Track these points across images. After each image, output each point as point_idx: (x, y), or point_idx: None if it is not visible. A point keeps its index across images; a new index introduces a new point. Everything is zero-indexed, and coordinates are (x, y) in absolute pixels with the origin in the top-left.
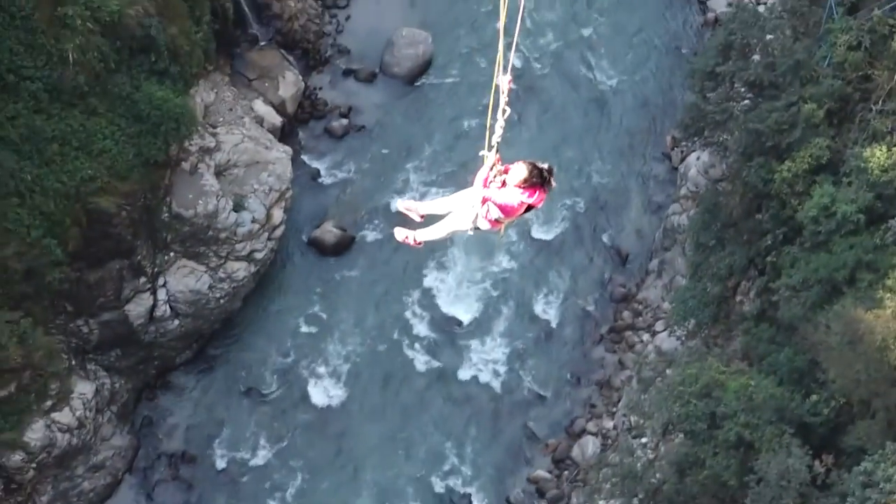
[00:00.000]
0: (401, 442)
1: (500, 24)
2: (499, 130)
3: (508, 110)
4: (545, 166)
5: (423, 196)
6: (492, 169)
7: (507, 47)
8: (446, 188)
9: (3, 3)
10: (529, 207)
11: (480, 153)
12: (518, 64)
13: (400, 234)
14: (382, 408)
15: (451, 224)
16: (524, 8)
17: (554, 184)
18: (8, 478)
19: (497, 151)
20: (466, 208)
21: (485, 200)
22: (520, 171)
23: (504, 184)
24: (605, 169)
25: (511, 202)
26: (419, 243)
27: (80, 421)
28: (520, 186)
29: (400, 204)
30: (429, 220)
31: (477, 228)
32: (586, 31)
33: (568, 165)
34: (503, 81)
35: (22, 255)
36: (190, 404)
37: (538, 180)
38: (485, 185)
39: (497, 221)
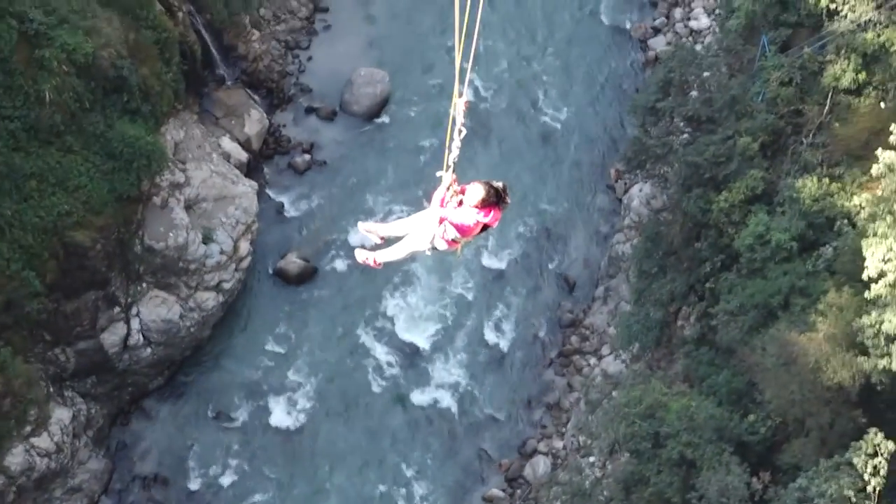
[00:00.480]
0: (362, 462)
1: (458, 49)
2: (455, 151)
3: (464, 131)
4: (500, 185)
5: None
6: (448, 189)
7: (463, 72)
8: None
9: None
10: (485, 227)
11: (437, 174)
12: (471, 99)
13: (361, 255)
14: (345, 430)
15: (409, 244)
16: (478, 35)
17: (509, 201)
18: None
19: (453, 172)
20: (424, 229)
21: (441, 220)
22: (476, 191)
23: (461, 204)
24: (554, 200)
25: (467, 222)
26: (379, 264)
27: (58, 445)
28: (476, 206)
29: (360, 226)
30: (389, 241)
31: (434, 248)
32: (535, 69)
33: (518, 197)
34: (459, 103)
35: (1, 287)
36: (162, 428)
37: (494, 199)
38: (441, 206)
39: (454, 241)
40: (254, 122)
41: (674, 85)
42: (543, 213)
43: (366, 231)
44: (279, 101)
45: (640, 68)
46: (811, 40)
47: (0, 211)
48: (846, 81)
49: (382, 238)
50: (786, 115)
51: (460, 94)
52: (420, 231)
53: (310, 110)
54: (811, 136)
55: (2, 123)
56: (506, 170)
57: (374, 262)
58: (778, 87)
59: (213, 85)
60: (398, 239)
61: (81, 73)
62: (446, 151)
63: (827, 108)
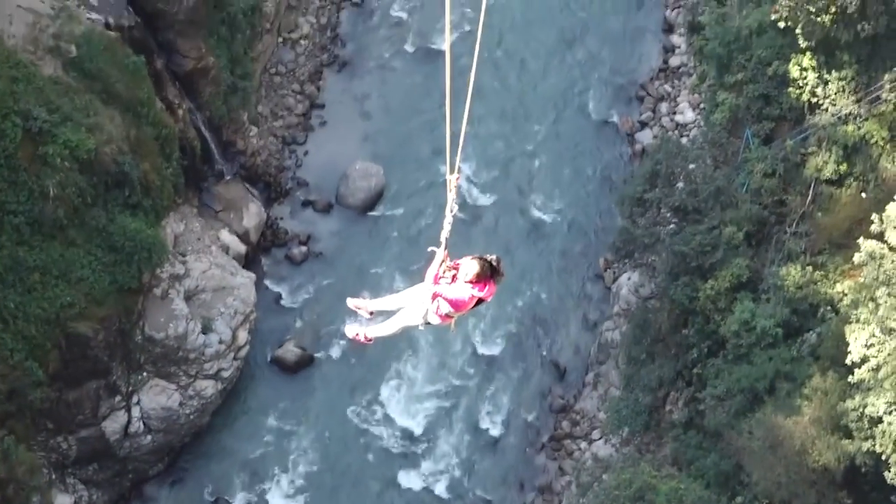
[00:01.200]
0: None
1: (447, 123)
2: (447, 227)
3: (456, 207)
4: (493, 258)
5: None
6: (441, 265)
7: (454, 147)
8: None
9: None
10: (480, 301)
11: (429, 249)
12: (463, 192)
13: (351, 330)
14: None
15: (401, 320)
16: (468, 121)
17: (503, 273)
18: None
19: (446, 248)
20: (417, 304)
21: (435, 296)
22: (470, 267)
23: (454, 279)
24: (544, 288)
25: (462, 297)
26: (370, 340)
27: None
28: (471, 282)
29: (350, 302)
30: (378, 316)
31: (428, 323)
32: (525, 161)
33: (509, 286)
34: (451, 179)
35: (5, 377)
36: None
37: (489, 273)
38: (435, 282)
39: (447, 316)
40: (252, 215)
41: (660, 176)
42: (535, 301)
43: (355, 307)
44: (277, 194)
45: (628, 160)
46: (793, 133)
47: (4, 303)
48: (828, 172)
49: (372, 313)
50: (770, 206)
51: (452, 170)
52: (413, 306)
53: (306, 203)
54: (794, 225)
55: (6, 218)
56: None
57: (365, 337)
58: (762, 178)
59: (213, 179)
60: (389, 314)
61: (84, 169)
62: (443, 226)
63: (809, 198)
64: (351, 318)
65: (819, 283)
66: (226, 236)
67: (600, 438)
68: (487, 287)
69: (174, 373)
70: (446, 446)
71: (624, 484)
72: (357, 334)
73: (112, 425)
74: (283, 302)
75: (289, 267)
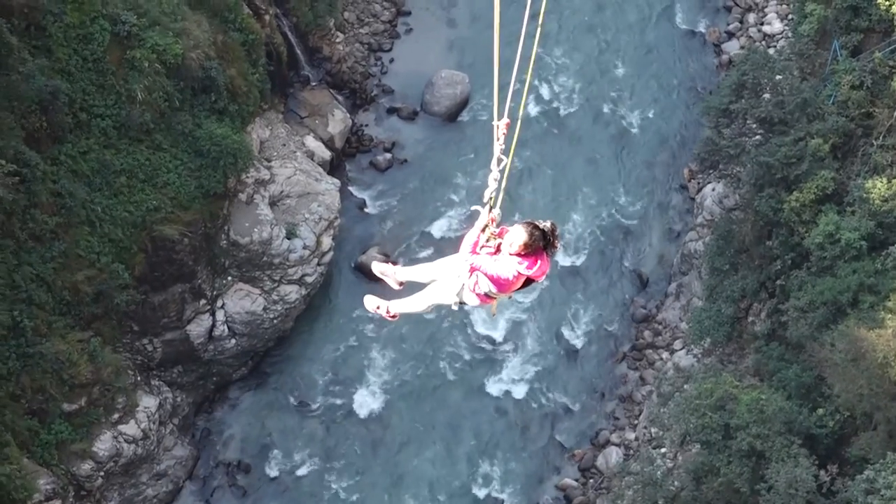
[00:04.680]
0: (439, 450)
1: (496, 62)
2: (492, 184)
3: (505, 160)
4: (547, 225)
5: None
6: (484, 231)
7: (504, 89)
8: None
9: (78, 47)
10: (529, 280)
11: (472, 208)
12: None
13: (371, 303)
14: (422, 420)
15: (432, 295)
16: (537, 46)
17: (558, 245)
18: (78, 485)
19: (491, 210)
20: (451, 277)
21: (473, 270)
22: (518, 235)
23: (498, 249)
24: (628, 199)
25: (505, 274)
26: (394, 316)
27: (144, 432)
28: (518, 254)
29: (374, 267)
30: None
31: (463, 304)
32: (610, 72)
33: (593, 195)
34: (499, 126)
35: (92, 280)
36: (245, 417)
37: (540, 244)
38: (474, 251)
39: (487, 297)
40: (337, 121)
41: (747, 87)
42: (619, 210)
43: (381, 273)
44: (362, 101)
45: (714, 71)
46: (882, 45)
47: (91, 206)
48: None
49: (401, 284)
50: (856, 118)
51: (501, 115)
52: (447, 280)
53: (391, 110)
54: (881, 138)
55: (94, 121)
56: (581, 169)
57: (388, 312)
58: (849, 91)
59: (298, 85)
60: (420, 286)
61: (171, 74)
62: (488, 182)
63: None
64: (437, 225)
65: None
66: (311, 142)
67: (682, 349)
68: (539, 263)
69: (258, 277)
70: (528, 354)
71: (705, 394)
72: (378, 307)
73: (196, 329)
74: (366, 209)
75: (373, 173)
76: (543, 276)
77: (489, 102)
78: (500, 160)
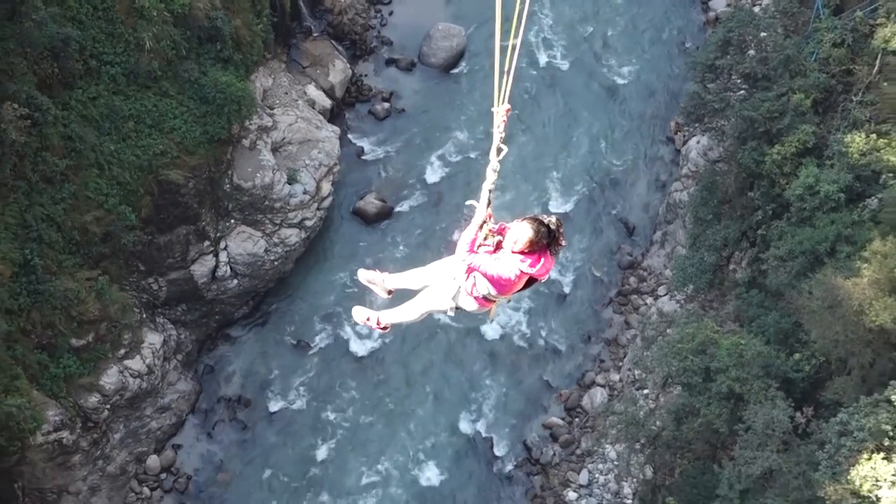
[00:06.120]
0: (433, 388)
1: (497, 47)
2: (491, 175)
3: (505, 149)
4: (552, 221)
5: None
6: (482, 227)
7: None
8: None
9: None
10: (532, 280)
11: (468, 202)
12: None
13: (360, 314)
14: (417, 358)
15: (425, 302)
16: (526, 16)
17: (563, 242)
18: (85, 417)
19: (489, 204)
20: (447, 281)
21: (471, 270)
22: (523, 231)
23: (497, 248)
24: (617, 150)
25: (506, 274)
26: (384, 327)
27: (149, 368)
28: (521, 252)
29: (361, 274)
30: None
31: (459, 309)
32: (599, 28)
33: (583, 146)
34: (499, 112)
35: (100, 221)
36: (246, 354)
37: (545, 241)
38: (471, 250)
39: (486, 300)
40: (337, 71)
41: (732, 44)
42: (606, 162)
43: (367, 282)
44: (362, 52)
45: (701, 27)
46: (863, 4)
47: (100, 150)
48: (895, 43)
49: (390, 292)
50: (837, 75)
51: (501, 101)
52: (441, 285)
53: (390, 61)
54: (860, 94)
55: (104, 68)
56: (571, 121)
57: (377, 323)
58: (830, 48)
59: (301, 36)
60: (411, 294)
61: (178, 23)
62: (486, 174)
63: (876, 68)
64: (433, 170)
65: (882, 151)
66: (312, 91)
67: (666, 294)
68: (543, 261)
69: (260, 221)
70: (517, 298)
71: (687, 338)
72: (367, 319)
73: (200, 269)
74: (365, 156)
75: (372, 122)
76: (547, 275)
77: (484, 56)
78: (499, 149)
